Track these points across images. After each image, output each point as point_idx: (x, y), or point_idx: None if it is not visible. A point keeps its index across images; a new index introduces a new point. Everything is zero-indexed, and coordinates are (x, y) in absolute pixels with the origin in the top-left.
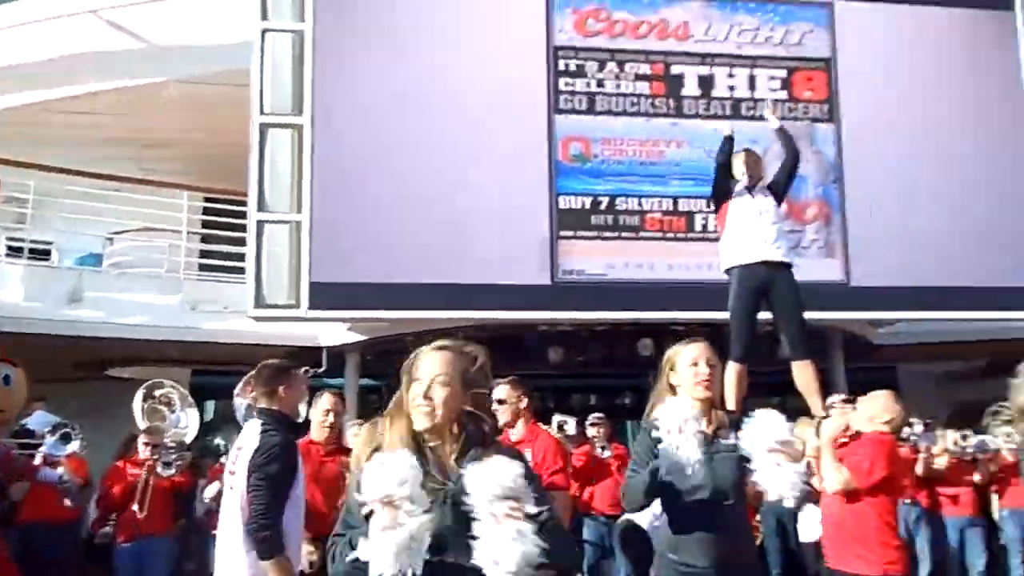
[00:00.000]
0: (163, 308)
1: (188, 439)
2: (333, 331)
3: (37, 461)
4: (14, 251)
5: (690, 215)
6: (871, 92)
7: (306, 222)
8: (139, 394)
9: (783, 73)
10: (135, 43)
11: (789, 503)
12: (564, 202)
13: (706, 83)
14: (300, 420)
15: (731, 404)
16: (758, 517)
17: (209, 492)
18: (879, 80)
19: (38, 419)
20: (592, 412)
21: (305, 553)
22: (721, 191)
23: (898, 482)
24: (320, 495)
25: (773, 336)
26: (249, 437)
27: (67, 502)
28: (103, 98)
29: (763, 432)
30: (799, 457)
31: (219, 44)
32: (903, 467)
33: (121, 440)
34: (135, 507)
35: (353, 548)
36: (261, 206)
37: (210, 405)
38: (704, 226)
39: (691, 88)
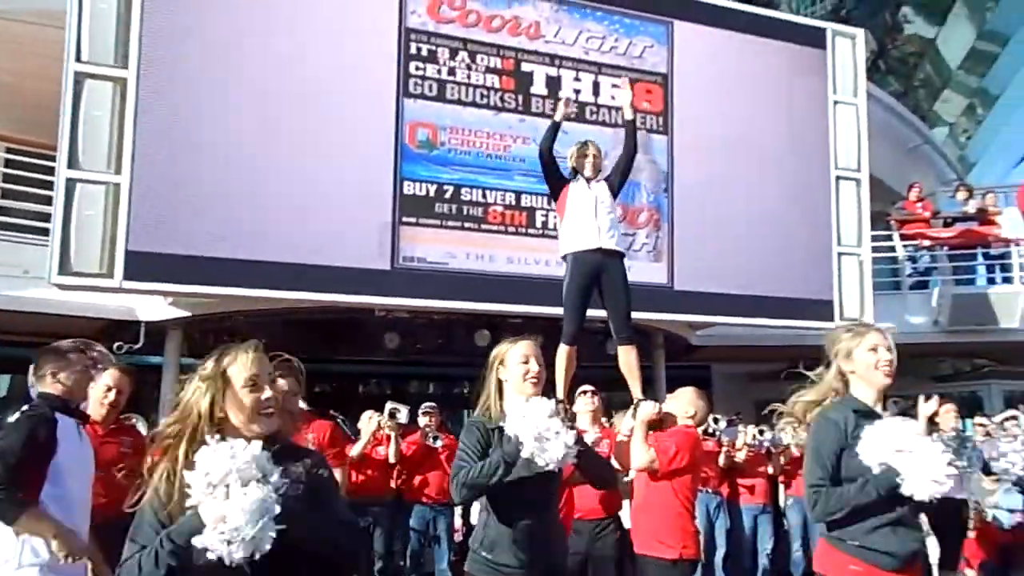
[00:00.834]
0: None
1: None
2: (153, 305)
3: None
4: None
5: (531, 211)
6: (701, 109)
7: (126, 185)
8: None
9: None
10: None
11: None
12: (408, 187)
13: (553, 83)
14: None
15: (560, 384)
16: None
17: None
18: (709, 98)
19: None
20: (429, 400)
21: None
22: (552, 179)
23: (698, 471)
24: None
25: (605, 332)
26: None
27: None
28: None
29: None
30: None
31: None
32: (704, 458)
33: None
34: None
35: (168, 548)
36: (72, 163)
37: (5, 380)
38: (544, 223)
39: (539, 87)
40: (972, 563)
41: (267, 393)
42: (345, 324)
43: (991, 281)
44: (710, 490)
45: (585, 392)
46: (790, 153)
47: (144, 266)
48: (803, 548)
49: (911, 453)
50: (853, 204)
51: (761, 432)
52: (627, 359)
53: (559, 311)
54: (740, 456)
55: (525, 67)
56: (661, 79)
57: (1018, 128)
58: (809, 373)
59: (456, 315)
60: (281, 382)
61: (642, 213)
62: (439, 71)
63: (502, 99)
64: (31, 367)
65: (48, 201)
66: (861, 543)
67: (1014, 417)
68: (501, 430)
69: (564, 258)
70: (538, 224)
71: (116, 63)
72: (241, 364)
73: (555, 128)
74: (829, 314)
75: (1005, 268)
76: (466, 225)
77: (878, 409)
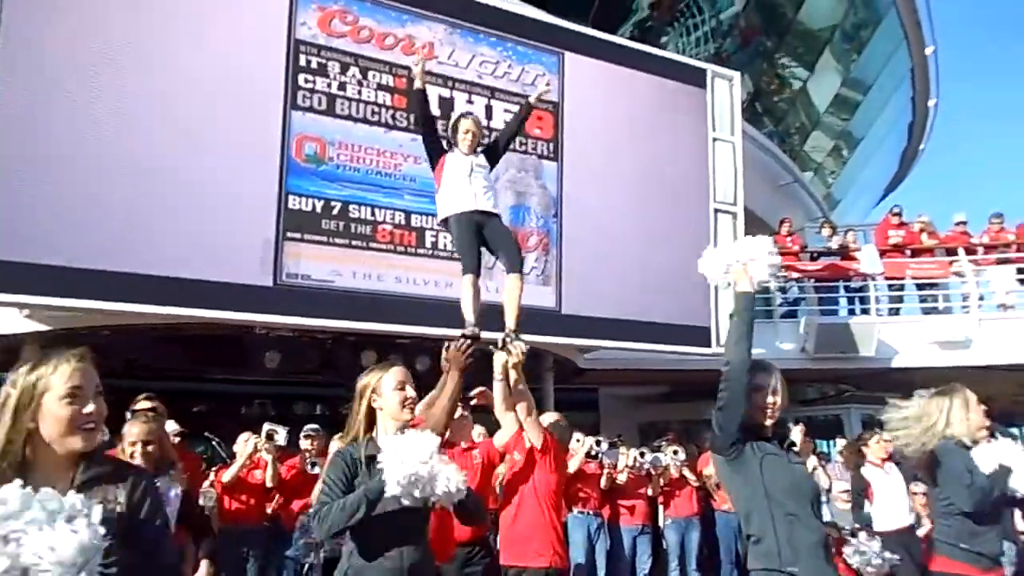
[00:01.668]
0: None
1: None
2: (6, 318)
3: None
4: None
5: (421, 231)
6: (590, 138)
7: None
8: None
9: (516, 108)
10: None
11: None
12: (294, 202)
13: (446, 105)
14: None
15: (468, 312)
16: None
17: None
18: (597, 128)
19: None
20: (315, 423)
21: None
22: (430, 147)
23: (561, 484)
24: None
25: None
26: None
27: None
28: None
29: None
30: None
31: None
32: (574, 478)
33: None
34: None
35: None
36: None
37: None
38: (434, 243)
39: (432, 107)
40: None
41: (89, 407)
42: (224, 341)
43: (851, 312)
44: (590, 511)
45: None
46: (673, 185)
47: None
48: (680, 568)
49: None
50: (729, 236)
51: (642, 454)
52: (512, 285)
53: (449, 331)
54: (621, 478)
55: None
56: (552, 107)
57: (877, 170)
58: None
59: (341, 334)
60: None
61: (532, 237)
62: (329, 85)
63: (393, 117)
64: None
65: None
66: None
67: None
68: (370, 460)
69: (444, 223)
70: (428, 244)
71: None
72: (61, 375)
73: (420, 95)
74: (706, 340)
75: (863, 300)
76: (354, 243)
77: None
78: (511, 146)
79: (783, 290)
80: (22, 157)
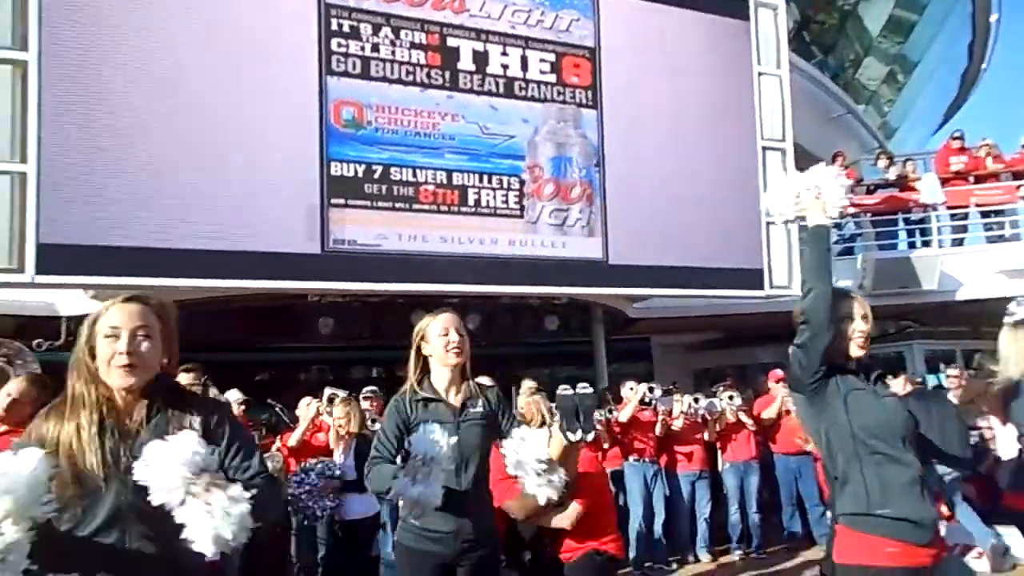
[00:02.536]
0: None
1: None
2: (73, 299)
3: None
4: None
5: (463, 189)
6: (628, 82)
7: (33, 174)
8: None
9: (552, 57)
10: None
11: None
12: (336, 168)
13: (481, 59)
14: None
15: None
16: None
17: None
18: (637, 71)
19: None
20: (372, 385)
21: None
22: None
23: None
24: None
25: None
26: None
27: None
28: None
29: (527, 450)
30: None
31: None
32: (627, 425)
33: None
34: None
35: None
36: None
37: None
38: (477, 200)
39: (466, 62)
40: None
41: (121, 344)
42: (278, 311)
43: (911, 245)
44: (646, 459)
45: None
46: (718, 124)
47: (58, 259)
48: (740, 511)
49: None
50: (779, 173)
51: (696, 400)
52: None
53: (496, 289)
54: (677, 424)
55: (451, 42)
56: (589, 52)
57: (936, 95)
58: None
59: (391, 297)
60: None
61: (575, 188)
62: (362, 48)
63: (428, 75)
64: None
65: None
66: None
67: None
68: (424, 402)
69: None
70: (471, 202)
71: (15, 45)
72: (108, 313)
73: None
74: (759, 282)
75: (924, 232)
76: (397, 206)
77: None
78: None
79: (838, 227)
80: (77, 140)
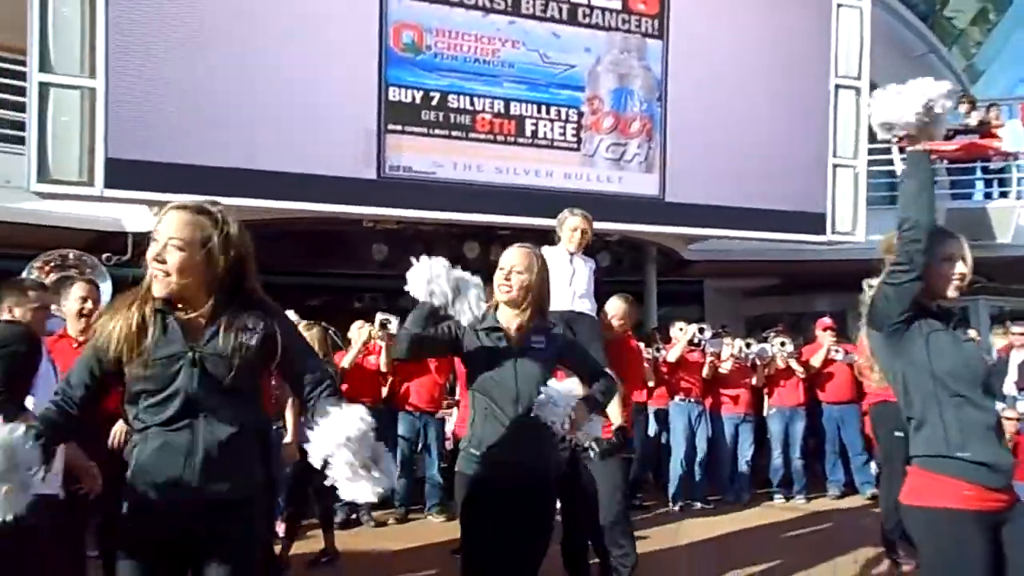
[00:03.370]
0: None
1: None
2: (139, 215)
3: None
4: None
5: (520, 119)
6: (697, 11)
7: (101, 90)
8: None
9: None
10: None
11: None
12: (393, 93)
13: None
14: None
15: None
16: None
17: None
18: (707, 1)
19: None
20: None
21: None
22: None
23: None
24: None
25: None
26: None
27: None
28: None
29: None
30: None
31: None
32: (675, 365)
33: None
34: None
35: None
36: (44, 67)
37: None
38: (534, 132)
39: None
40: None
41: (151, 251)
42: (333, 236)
43: (988, 196)
44: (692, 399)
45: None
46: (790, 58)
47: (126, 174)
48: (783, 456)
49: None
50: (852, 114)
51: (748, 345)
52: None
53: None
54: (725, 367)
55: None
56: None
57: None
58: None
59: (444, 226)
60: None
61: (634, 122)
62: None
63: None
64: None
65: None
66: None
67: None
68: (486, 332)
69: None
70: (527, 133)
71: None
72: (158, 219)
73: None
74: (821, 227)
75: (1003, 183)
76: (453, 134)
77: None
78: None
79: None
80: (143, 57)
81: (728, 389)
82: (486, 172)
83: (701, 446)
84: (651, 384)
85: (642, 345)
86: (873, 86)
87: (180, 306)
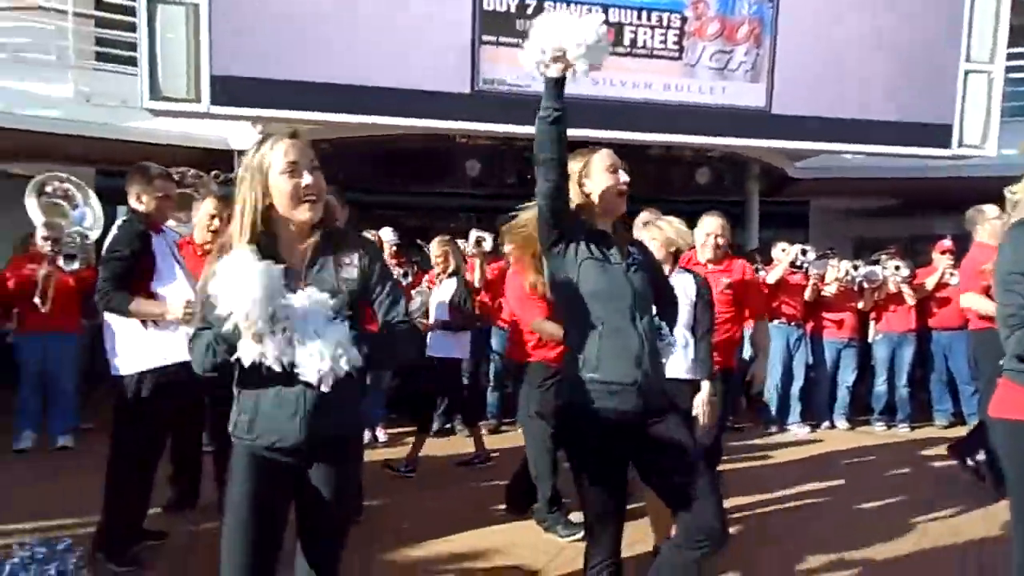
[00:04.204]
0: (57, 100)
1: (92, 236)
2: (244, 133)
3: None
4: None
5: (619, 27)
6: None
7: (204, 5)
8: (29, 188)
9: None
10: None
11: None
12: (488, 2)
13: None
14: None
15: None
16: None
17: None
18: None
19: None
20: None
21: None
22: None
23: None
24: None
25: (695, 161)
26: None
27: None
28: None
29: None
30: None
31: None
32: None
33: (18, 237)
34: (37, 300)
35: (223, 346)
36: None
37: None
38: (633, 41)
39: None
40: None
41: (307, 179)
42: (427, 153)
43: None
44: (792, 322)
45: None
46: None
47: (230, 90)
48: (887, 383)
49: None
50: (991, 13)
51: (856, 267)
52: None
53: (647, 137)
54: (829, 290)
55: None
56: None
57: None
58: None
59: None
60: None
61: (742, 26)
62: None
63: None
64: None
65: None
66: None
67: None
68: (599, 236)
69: None
70: (626, 42)
71: None
72: (279, 151)
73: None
74: (946, 140)
75: None
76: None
77: None
78: None
79: None
80: None
81: (832, 313)
82: (581, 84)
83: (799, 371)
84: None
85: None
86: None
87: (278, 243)
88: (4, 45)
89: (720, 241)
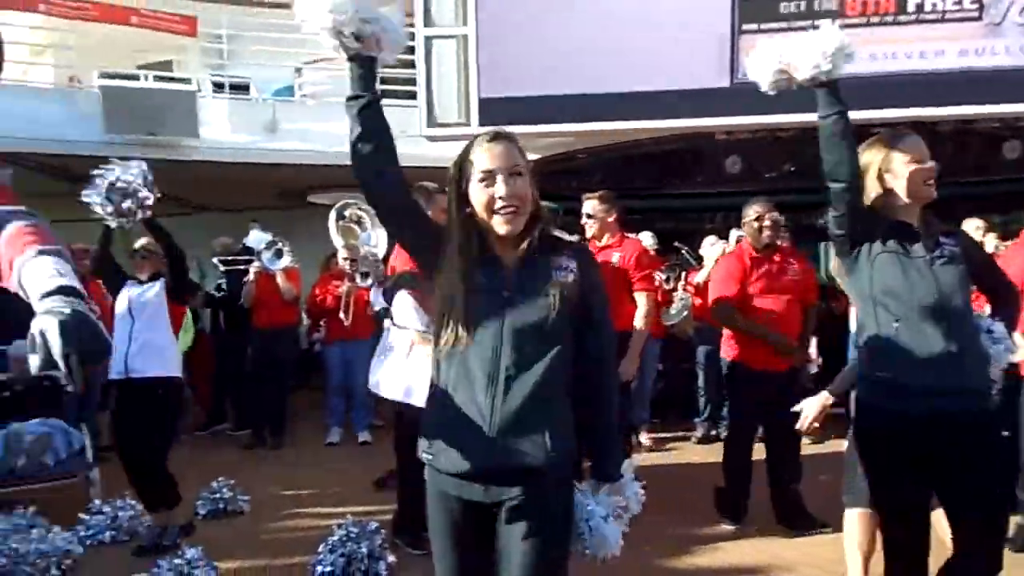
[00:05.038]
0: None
1: (380, 254)
2: None
3: (251, 275)
4: (218, 87)
5: None
6: None
7: (472, 35)
8: (332, 214)
9: None
10: None
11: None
12: None
13: None
14: None
15: None
16: None
17: None
18: None
19: (254, 237)
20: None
21: None
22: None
23: None
24: None
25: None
26: None
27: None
28: None
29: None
30: None
31: None
32: None
33: (322, 258)
34: (341, 315)
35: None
36: (427, 21)
37: None
38: (919, 6)
39: None
40: None
41: (501, 189)
42: (683, 153)
43: None
44: None
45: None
46: None
47: (495, 111)
48: None
49: None
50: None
51: None
52: None
53: (939, 111)
54: None
55: None
56: None
57: None
58: None
59: (807, 130)
60: None
61: None
62: None
63: None
64: None
65: (405, 65)
66: None
67: None
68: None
69: None
70: (910, 8)
71: None
72: (476, 157)
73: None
74: None
75: None
76: (817, 23)
77: None
78: None
79: None
80: (507, 5)
81: None
82: (858, 62)
83: None
84: None
85: None
86: None
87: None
88: (315, 92)
89: None
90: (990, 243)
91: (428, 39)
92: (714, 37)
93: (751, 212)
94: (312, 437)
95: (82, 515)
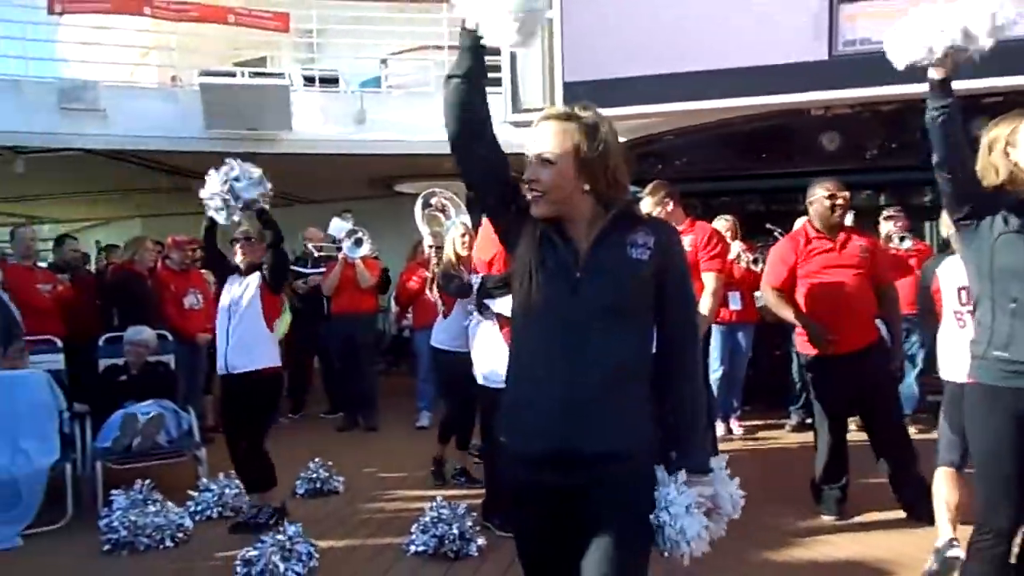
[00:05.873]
0: (438, 125)
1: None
2: None
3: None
4: (308, 81)
5: None
6: None
7: (557, 18)
8: (418, 202)
9: None
10: None
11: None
12: None
13: None
14: None
15: None
16: None
17: None
18: None
19: (335, 226)
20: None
21: None
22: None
23: None
24: None
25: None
26: None
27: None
28: None
29: None
30: None
31: None
32: None
33: (411, 246)
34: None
35: None
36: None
37: None
38: None
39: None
40: None
41: (528, 172)
42: (777, 131)
43: None
44: None
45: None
46: None
47: (580, 94)
48: None
49: None
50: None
51: None
52: None
53: None
54: None
55: None
56: None
57: None
58: None
59: (909, 103)
60: None
61: None
62: None
63: None
64: None
65: (491, 52)
66: None
67: None
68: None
69: None
70: None
71: None
72: (530, 136)
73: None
74: None
75: None
76: None
77: None
78: None
79: None
80: None
81: None
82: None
83: None
84: None
85: None
86: None
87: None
88: (401, 83)
89: None
90: None
91: None
92: (811, 7)
93: (821, 190)
94: (403, 420)
95: (191, 491)
